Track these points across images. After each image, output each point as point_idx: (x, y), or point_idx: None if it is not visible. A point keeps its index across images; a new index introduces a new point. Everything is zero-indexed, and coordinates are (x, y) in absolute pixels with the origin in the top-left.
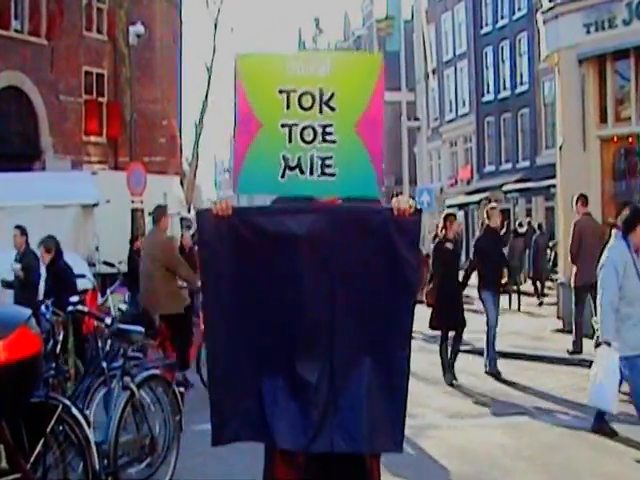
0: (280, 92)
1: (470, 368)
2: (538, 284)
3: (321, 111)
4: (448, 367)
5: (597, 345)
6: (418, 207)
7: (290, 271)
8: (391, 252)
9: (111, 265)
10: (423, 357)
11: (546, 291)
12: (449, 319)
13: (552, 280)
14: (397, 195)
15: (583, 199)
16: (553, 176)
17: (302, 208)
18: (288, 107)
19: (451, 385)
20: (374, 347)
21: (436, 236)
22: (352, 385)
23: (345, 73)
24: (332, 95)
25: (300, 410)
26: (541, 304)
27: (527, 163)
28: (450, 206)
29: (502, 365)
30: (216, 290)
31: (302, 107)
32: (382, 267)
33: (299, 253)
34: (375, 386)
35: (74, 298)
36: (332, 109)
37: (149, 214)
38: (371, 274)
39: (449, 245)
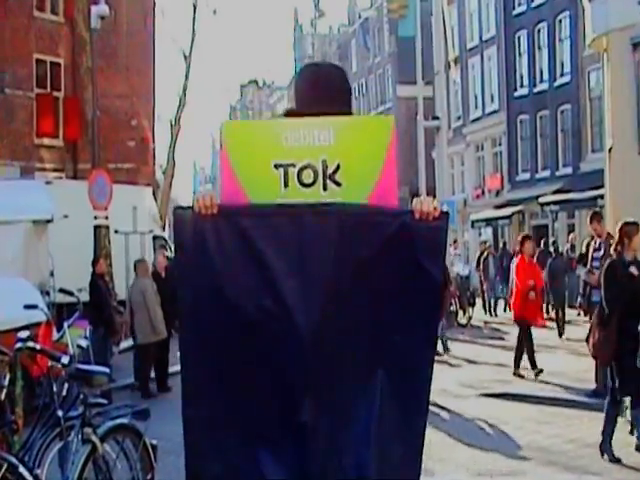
0: (276, 167)
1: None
2: (560, 314)
3: (325, 188)
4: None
5: None
6: (444, 209)
7: (288, 291)
8: (412, 266)
9: (69, 293)
10: (444, 401)
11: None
12: (635, 382)
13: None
14: (418, 195)
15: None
16: (600, 185)
17: (304, 209)
18: (286, 185)
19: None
20: (386, 388)
21: (502, 255)
22: (356, 428)
23: (352, 141)
24: (337, 167)
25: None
26: (561, 334)
27: (569, 170)
28: (476, 222)
29: (538, 412)
30: (194, 318)
31: (303, 184)
32: (400, 284)
33: (300, 268)
34: (385, 435)
35: (23, 333)
36: (338, 184)
37: (115, 232)
38: (387, 294)
39: (634, 270)
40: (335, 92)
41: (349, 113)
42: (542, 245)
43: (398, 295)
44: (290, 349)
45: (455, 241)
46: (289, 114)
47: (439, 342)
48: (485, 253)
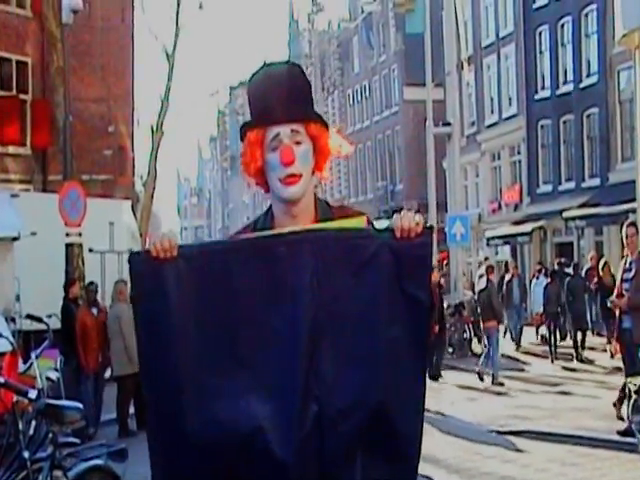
0: None
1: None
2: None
3: None
4: None
5: None
6: (428, 224)
7: (262, 333)
8: (395, 290)
9: (37, 320)
10: (456, 439)
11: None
12: None
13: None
14: (400, 210)
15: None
16: (632, 199)
17: (273, 240)
18: None
19: None
20: (371, 432)
21: (488, 280)
22: None
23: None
24: None
25: None
26: (580, 359)
27: (596, 181)
28: (492, 239)
29: (563, 453)
30: (155, 376)
31: None
32: (382, 312)
33: (273, 306)
34: None
35: None
36: None
37: (89, 251)
38: (368, 324)
39: None
40: (292, 91)
41: (310, 111)
42: (556, 265)
43: (383, 324)
44: (267, 392)
45: (486, 259)
46: (246, 128)
47: (431, 367)
48: (509, 274)
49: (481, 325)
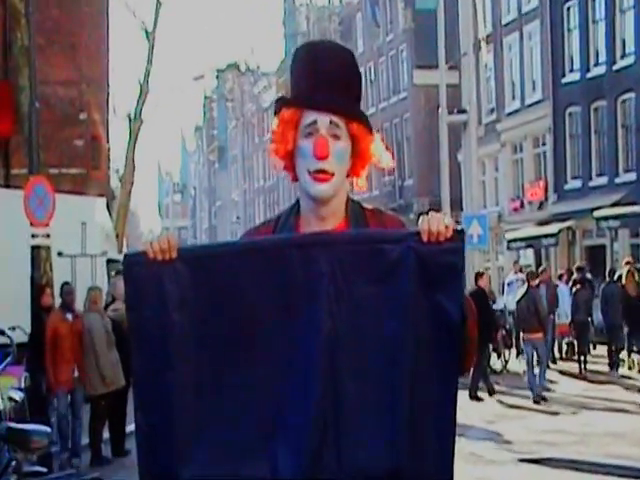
0: None
1: None
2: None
3: None
4: None
5: None
6: (459, 228)
7: (269, 346)
8: (422, 301)
9: None
10: (474, 468)
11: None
12: None
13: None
14: (427, 212)
15: None
16: None
17: (284, 242)
18: None
19: None
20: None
21: (530, 286)
22: None
23: None
24: None
25: None
26: (615, 370)
27: (631, 176)
28: (513, 242)
29: None
30: (149, 400)
31: None
32: (407, 328)
33: (285, 320)
34: None
35: None
36: None
37: (58, 255)
38: (390, 338)
39: None
40: (339, 79)
41: (355, 107)
42: (576, 271)
43: (408, 340)
44: (278, 409)
45: (516, 262)
46: (282, 104)
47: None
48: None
49: (521, 337)
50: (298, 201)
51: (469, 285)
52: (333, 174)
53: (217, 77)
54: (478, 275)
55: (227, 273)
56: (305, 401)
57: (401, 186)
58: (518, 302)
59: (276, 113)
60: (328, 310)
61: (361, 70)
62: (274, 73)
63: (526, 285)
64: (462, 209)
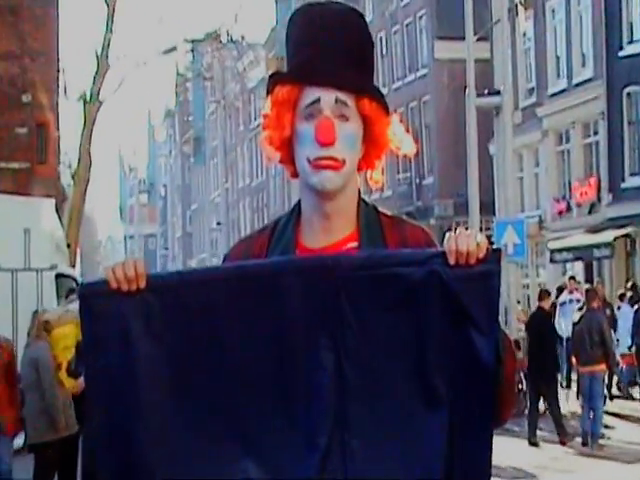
0: None
1: None
2: None
3: None
4: None
5: None
6: (494, 247)
7: (262, 394)
8: (445, 335)
9: None
10: None
11: None
12: None
13: None
14: (454, 228)
15: None
16: None
17: (279, 268)
18: None
19: None
20: None
21: (591, 309)
22: None
23: None
24: None
25: None
26: None
27: None
28: (558, 252)
29: None
30: (109, 462)
31: None
32: (429, 368)
33: (279, 362)
34: None
35: None
36: None
37: None
38: (407, 381)
39: None
40: (348, 48)
41: (367, 81)
42: (631, 289)
43: (429, 384)
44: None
45: (572, 278)
46: (276, 80)
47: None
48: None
49: (578, 370)
50: (298, 203)
51: (503, 313)
52: (343, 161)
53: (192, 50)
54: (542, 294)
55: (208, 307)
56: (309, 458)
57: (419, 185)
58: (575, 327)
59: (269, 93)
60: (332, 346)
61: None
62: (263, 45)
63: (584, 306)
64: (494, 213)
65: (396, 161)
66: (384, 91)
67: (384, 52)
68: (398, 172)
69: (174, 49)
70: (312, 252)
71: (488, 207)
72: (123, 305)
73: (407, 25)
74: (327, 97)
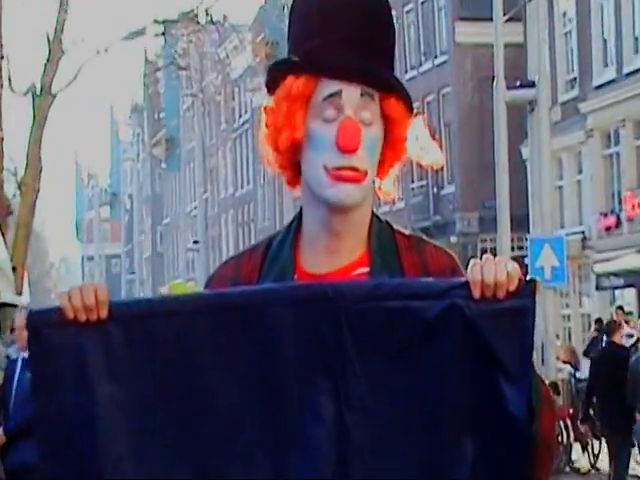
0: None
1: None
2: None
3: None
4: None
5: None
6: (528, 277)
7: (245, 449)
8: (468, 382)
9: None
10: None
11: None
12: None
13: None
14: (481, 255)
15: None
16: None
17: (268, 297)
18: None
19: None
20: None
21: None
22: None
23: None
24: None
25: None
26: None
27: None
28: (604, 276)
29: None
30: None
31: None
32: (444, 418)
33: (265, 400)
34: None
35: None
36: None
37: None
38: (421, 434)
39: None
40: (369, 34)
41: (392, 74)
42: None
43: (447, 444)
44: None
45: (620, 308)
46: (287, 69)
47: None
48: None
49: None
50: (298, 217)
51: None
52: (365, 173)
53: (164, 33)
54: (612, 327)
55: (182, 341)
56: None
57: (437, 195)
58: (632, 369)
59: (274, 84)
60: (333, 392)
61: None
62: (249, 28)
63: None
64: (528, 229)
65: (409, 167)
66: None
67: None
68: (412, 180)
69: (142, 32)
70: (314, 278)
71: (520, 222)
72: (81, 338)
73: (422, 3)
74: (351, 92)
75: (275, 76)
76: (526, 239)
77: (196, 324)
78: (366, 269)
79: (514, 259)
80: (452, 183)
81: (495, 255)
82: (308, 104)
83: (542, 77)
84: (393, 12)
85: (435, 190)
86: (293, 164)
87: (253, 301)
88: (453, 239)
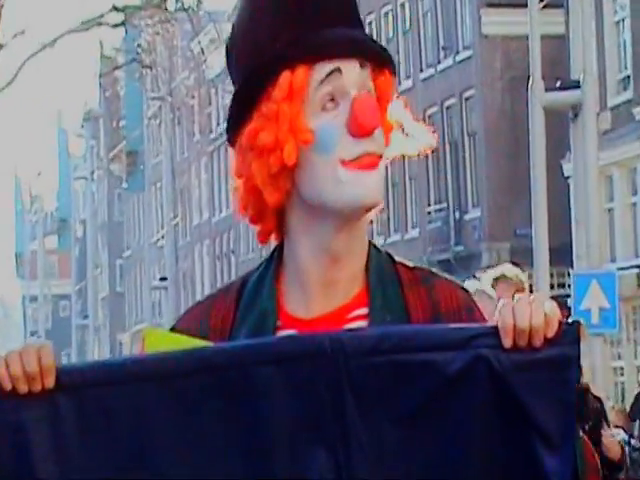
0: None
1: None
2: None
3: None
4: None
5: None
6: (570, 320)
7: None
8: (498, 448)
9: None
10: None
11: None
12: None
13: None
14: (514, 294)
15: None
16: None
17: (251, 354)
18: None
19: None
20: None
21: None
22: None
23: None
24: None
25: None
26: None
27: None
28: None
29: None
30: None
31: None
32: None
33: (250, 473)
34: None
35: None
36: None
37: None
38: None
39: None
40: (346, 2)
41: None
42: None
43: None
44: None
45: None
46: (282, 63)
47: None
48: None
49: None
50: (279, 249)
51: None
52: (381, 156)
53: (124, 23)
54: None
55: (146, 412)
56: None
57: (459, 221)
58: None
59: (266, 83)
60: (334, 468)
61: (386, 11)
62: (229, 16)
63: None
64: (571, 263)
65: (425, 186)
66: (408, 83)
67: (405, 27)
68: (428, 202)
69: (98, 21)
70: (302, 324)
71: (562, 253)
72: (22, 412)
73: None
74: (349, 65)
75: (261, 76)
76: (569, 275)
77: (163, 391)
78: (364, 310)
79: (554, 299)
80: (477, 206)
81: (531, 294)
82: (305, 100)
83: (588, 76)
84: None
85: (457, 215)
86: (278, 199)
87: (234, 360)
88: (478, 275)
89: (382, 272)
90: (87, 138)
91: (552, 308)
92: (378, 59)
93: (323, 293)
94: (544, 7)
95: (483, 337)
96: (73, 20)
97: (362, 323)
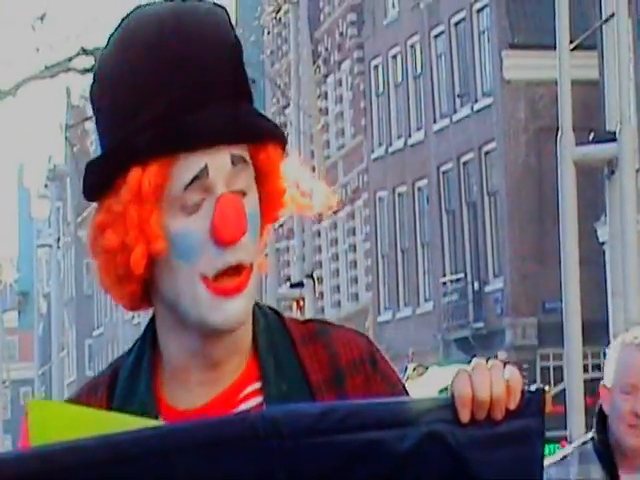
0: None
1: None
2: None
3: None
4: None
5: None
6: (534, 387)
7: None
8: None
9: None
10: None
11: None
12: None
13: None
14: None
15: None
16: None
17: (170, 436)
18: None
19: None
20: None
21: None
22: None
23: None
24: None
25: None
26: None
27: None
28: None
29: None
30: None
31: None
32: None
33: None
34: None
35: None
36: None
37: None
38: None
39: None
40: (222, 69)
41: (271, 123)
42: None
43: None
44: None
45: None
46: (110, 163)
47: None
48: None
49: None
50: (151, 333)
51: None
52: (250, 266)
53: (94, 62)
54: None
55: None
56: None
57: (478, 293)
58: None
59: (99, 189)
60: None
61: (393, 54)
62: None
63: None
64: (608, 342)
65: (440, 253)
66: (420, 135)
67: (417, 72)
68: (443, 272)
69: (64, 66)
70: (186, 416)
71: (597, 330)
72: None
73: (456, 24)
74: (218, 160)
75: (109, 167)
76: (605, 355)
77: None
78: (257, 385)
79: (589, 382)
80: (499, 276)
81: (561, 378)
82: (161, 199)
83: (625, 127)
84: (416, 37)
85: (476, 286)
86: (140, 284)
87: (150, 448)
88: (502, 355)
89: (271, 334)
90: (52, 199)
91: (513, 375)
92: (257, 136)
93: (206, 381)
94: (575, 48)
95: (437, 410)
96: (36, 65)
97: (257, 399)
